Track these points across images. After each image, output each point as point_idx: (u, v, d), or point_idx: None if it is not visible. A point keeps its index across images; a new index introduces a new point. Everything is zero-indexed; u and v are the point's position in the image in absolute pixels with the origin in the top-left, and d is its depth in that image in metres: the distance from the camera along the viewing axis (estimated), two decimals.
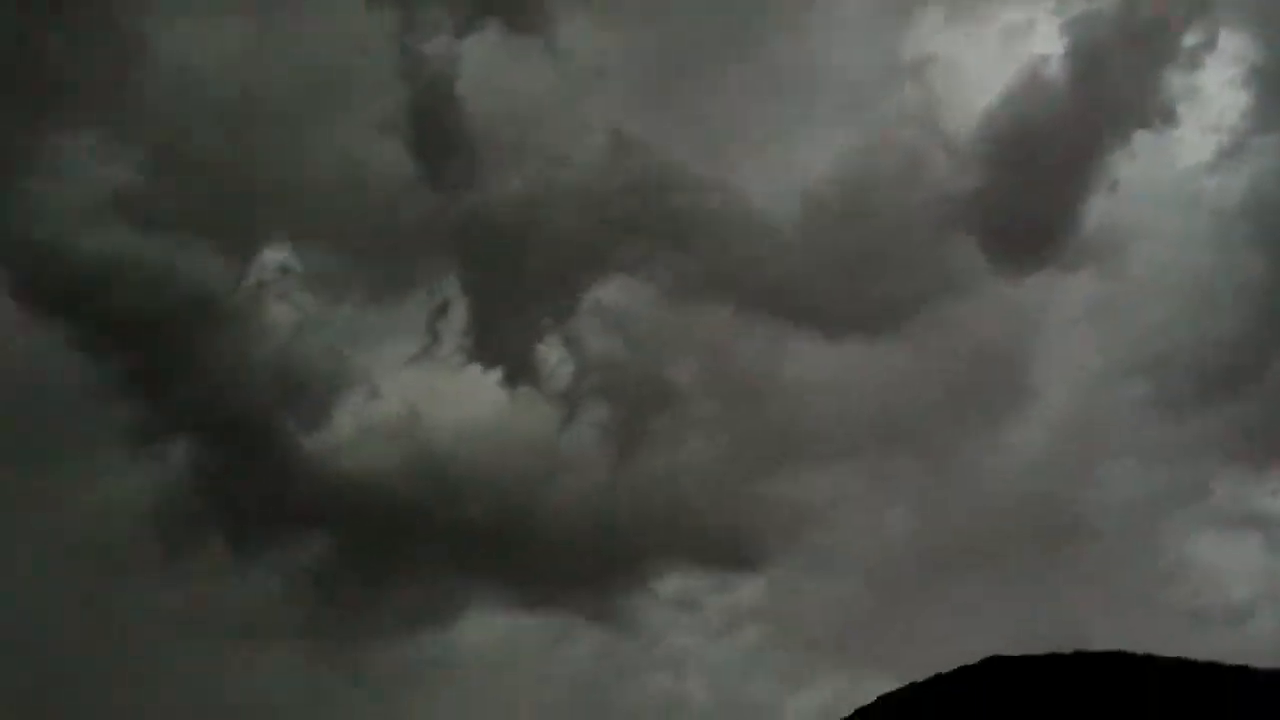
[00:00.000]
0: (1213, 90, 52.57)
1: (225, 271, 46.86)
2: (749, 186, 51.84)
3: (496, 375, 50.13)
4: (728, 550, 48.10)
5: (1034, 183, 46.54)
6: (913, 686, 13.89)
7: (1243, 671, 14.09)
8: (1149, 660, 13.61)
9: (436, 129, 47.59)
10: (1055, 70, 46.51)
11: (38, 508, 42.72)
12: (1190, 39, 47.20)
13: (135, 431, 45.24)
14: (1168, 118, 47.12)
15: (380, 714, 43.29)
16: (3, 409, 44.03)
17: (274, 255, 49.93)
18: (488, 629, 50.86)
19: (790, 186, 52.51)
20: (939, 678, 13.88)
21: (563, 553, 47.32)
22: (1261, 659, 14.51)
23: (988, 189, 46.30)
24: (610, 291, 52.40)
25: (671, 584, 50.22)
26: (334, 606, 46.41)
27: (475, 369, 49.96)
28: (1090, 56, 45.90)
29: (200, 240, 47.45)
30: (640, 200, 48.79)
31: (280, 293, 49.77)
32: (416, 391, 51.40)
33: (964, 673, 13.84)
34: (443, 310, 51.02)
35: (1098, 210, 48.53)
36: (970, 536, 46.79)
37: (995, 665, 13.86)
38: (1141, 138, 48.19)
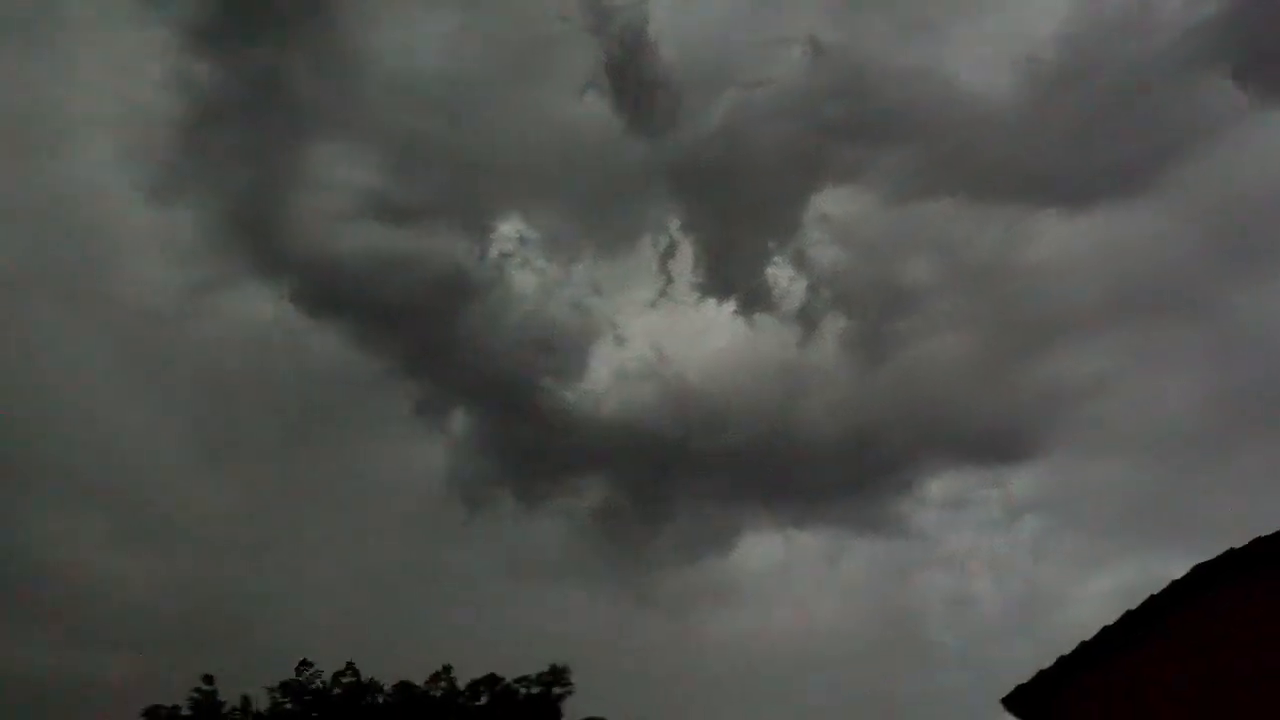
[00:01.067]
0: None
1: (469, 250, 50.20)
2: (959, 68, 49.32)
3: (731, 306, 51.07)
4: (993, 443, 46.79)
5: None
6: (1206, 564, 13.29)
7: None
8: None
9: (634, 77, 48.43)
10: None
11: (348, 485, 48.07)
12: None
13: (419, 408, 49.68)
14: None
15: (671, 636, 45.93)
16: (303, 402, 49.37)
17: (509, 227, 52.93)
18: (763, 550, 52.52)
19: (1003, 58, 49.66)
20: (1231, 554, 13.17)
21: (824, 468, 47.93)
22: None
23: (1233, 12, 41.45)
24: (831, 203, 51.83)
25: (939, 485, 49.85)
26: (617, 543, 49.50)
27: (710, 303, 51.12)
28: None
29: (443, 225, 51.11)
30: (847, 106, 47.62)
31: (521, 261, 52.79)
32: (659, 333, 53.30)
33: (1264, 542, 13.00)
34: (670, 251, 52.35)
35: None
36: (1258, 401, 43.10)
37: None
38: None
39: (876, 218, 50.08)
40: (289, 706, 22.35)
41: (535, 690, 24.57)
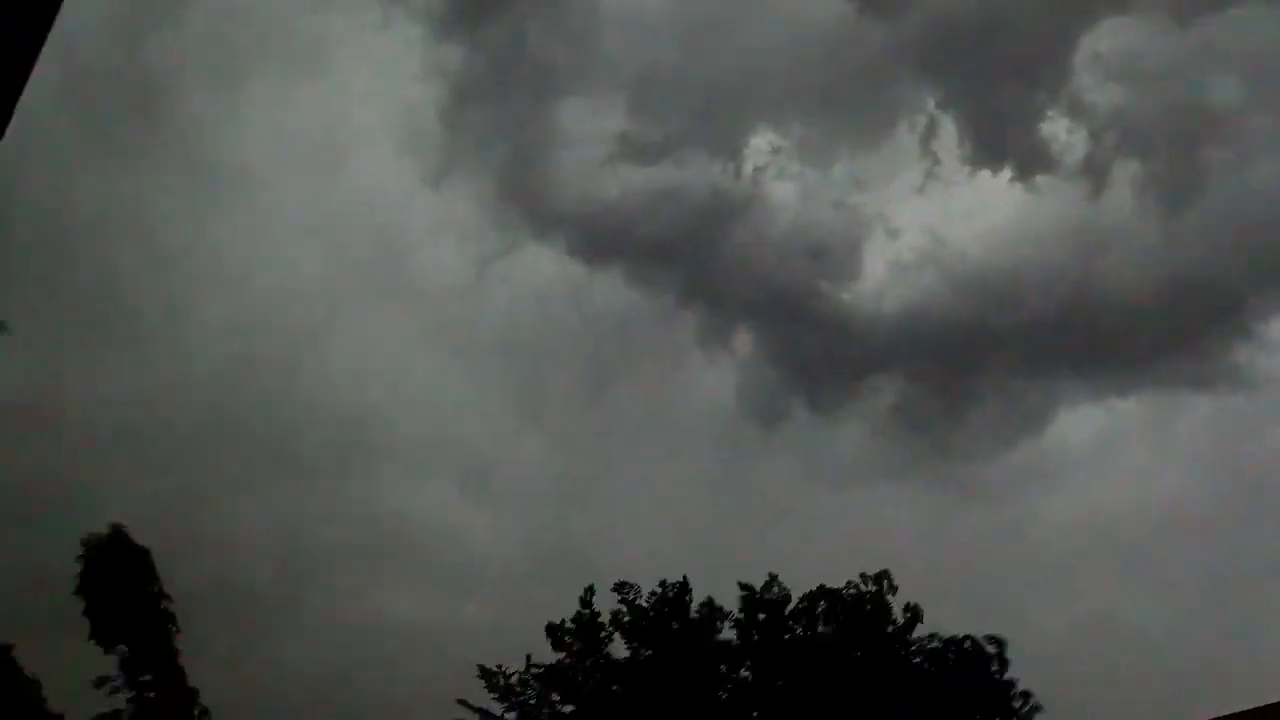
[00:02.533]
0: None
1: (724, 171, 50.26)
2: None
3: (1006, 174, 47.73)
4: None
5: None
6: None
7: None
8: None
9: None
10: None
11: (649, 420, 50.34)
12: None
13: (702, 335, 50.86)
14: None
15: (993, 525, 44.40)
16: (595, 348, 52.01)
17: (760, 141, 52.34)
18: (1083, 424, 49.23)
19: None
20: None
21: (1138, 326, 43.99)
22: None
23: None
24: (1104, 38, 46.72)
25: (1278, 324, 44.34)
26: (924, 437, 48.38)
27: (983, 175, 48.00)
28: None
29: (694, 153, 51.47)
30: None
31: (777, 172, 52.12)
32: (931, 217, 50.87)
33: None
34: (931, 131, 49.55)
35: None
36: None
37: None
38: None
39: (1160, 42, 44.54)
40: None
41: (867, 591, 24.25)
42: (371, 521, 43.30)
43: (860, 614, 24.07)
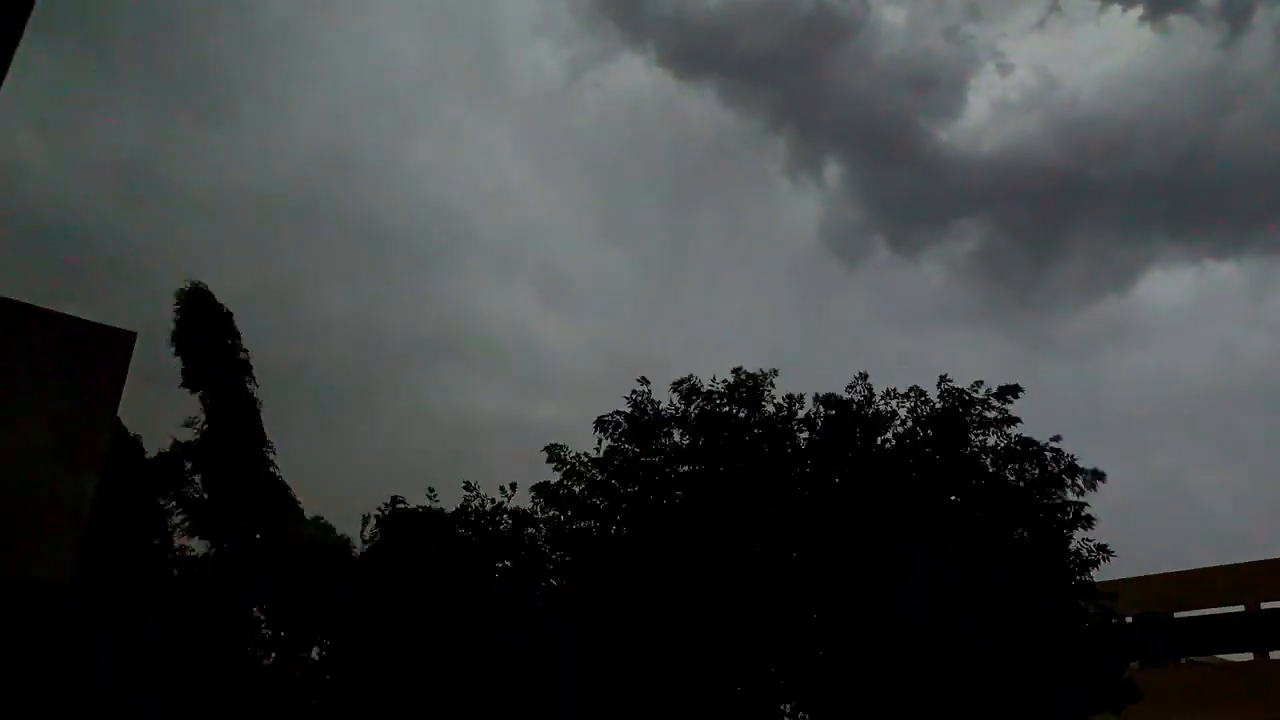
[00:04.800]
0: None
1: None
2: None
3: (1137, 11, 44.09)
4: None
5: None
6: None
7: None
8: None
9: None
10: None
11: (730, 245, 49.82)
12: None
13: (791, 162, 49.58)
14: None
15: (1072, 379, 43.85)
16: (681, 167, 51.02)
17: None
18: (1174, 286, 47.48)
19: None
20: None
21: (1252, 190, 41.49)
22: None
23: None
24: None
25: None
26: (1005, 286, 47.16)
27: (1113, 12, 44.43)
28: None
29: None
30: None
31: None
32: (1048, 56, 47.72)
33: None
34: None
35: None
36: None
37: None
38: None
39: None
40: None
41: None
42: (451, 318, 44.35)
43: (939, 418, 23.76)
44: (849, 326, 48.28)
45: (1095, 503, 20.46)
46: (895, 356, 44.69)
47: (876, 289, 49.68)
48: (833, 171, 50.69)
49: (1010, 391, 21.38)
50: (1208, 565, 29.20)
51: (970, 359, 45.70)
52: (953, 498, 20.25)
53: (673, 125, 51.86)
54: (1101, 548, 20.13)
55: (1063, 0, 46.61)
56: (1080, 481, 20.58)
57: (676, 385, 22.00)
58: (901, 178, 48.67)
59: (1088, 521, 19.99)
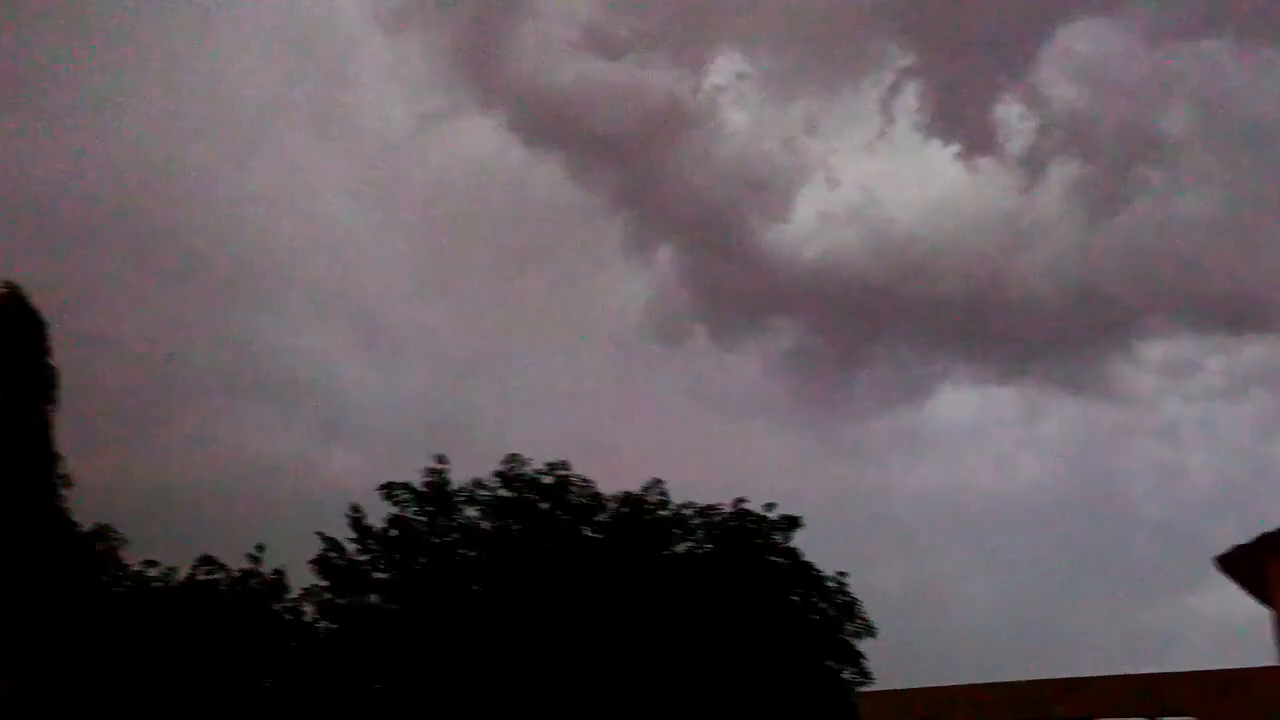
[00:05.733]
0: None
1: (684, 83, 49.56)
2: None
3: (954, 150, 48.41)
4: (1227, 310, 42.60)
5: None
6: None
7: None
8: None
9: None
10: None
11: (556, 314, 50.31)
12: None
13: (628, 242, 50.80)
14: None
15: (859, 482, 46.40)
16: (520, 232, 51.28)
17: (726, 62, 51.66)
18: (961, 404, 51.38)
19: None
20: None
21: (1035, 323, 45.59)
22: None
23: None
24: (1079, 38, 47.35)
25: (1160, 348, 46.52)
26: (811, 386, 49.70)
27: (934, 145, 48.51)
28: None
29: (659, 58, 50.39)
30: None
31: (736, 96, 51.64)
32: (874, 175, 51.39)
33: None
34: (894, 91, 49.74)
35: None
36: None
37: None
38: None
39: (1132, 57, 45.44)
40: (505, 493, 23.36)
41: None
42: (254, 353, 42.61)
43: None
44: (662, 408, 49.33)
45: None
46: (700, 442, 45.86)
47: (695, 375, 51.05)
48: (664, 256, 52.31)
49: (792, 523, 22.74)
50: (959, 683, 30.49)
51: (773, 452, 47.60)
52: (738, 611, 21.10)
53: (515, 191, 52.03)
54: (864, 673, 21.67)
55: (891, 128, 50.74)
56: (857, 622, 22.06)
57: (502, 469, 21.85)
58: (728, 271, 50.75)
59: (856, 658, 21.48)
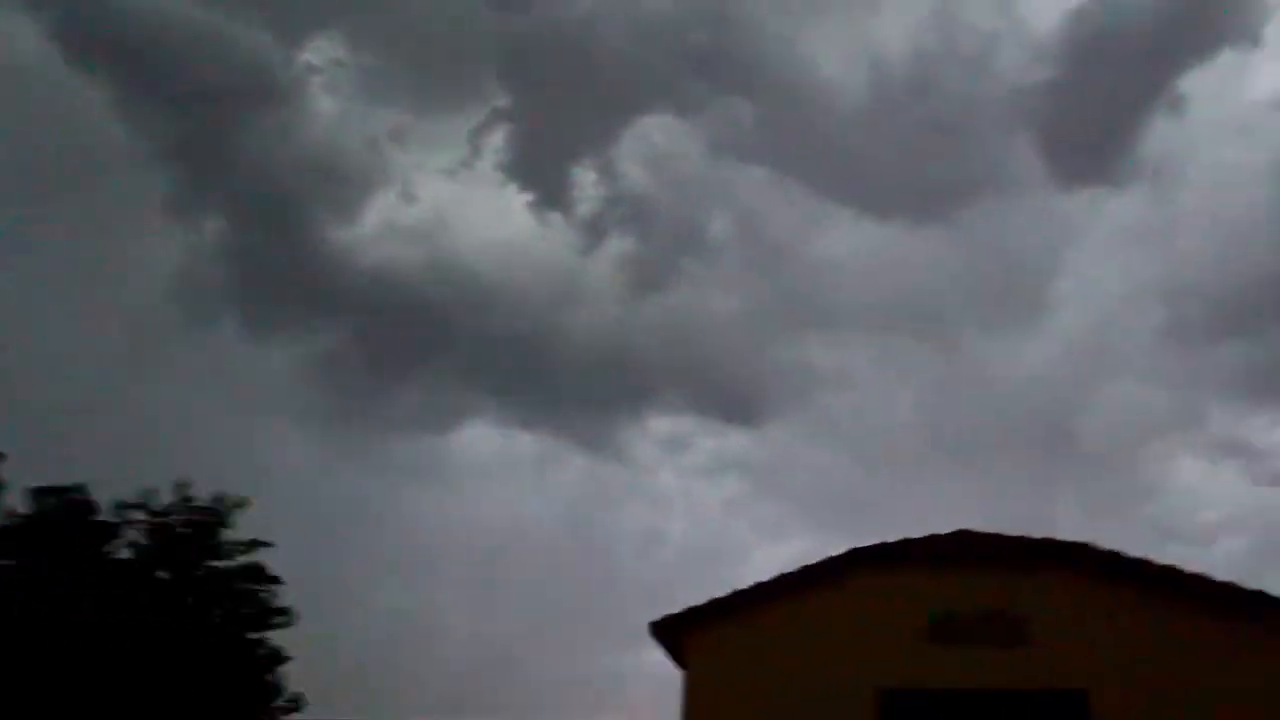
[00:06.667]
0: None
1: (277, 52, 46.33)
2: (816, 49, 49.96)
3: (529, 198, 50.11)
4: (728, 401, 47.67)
5: (1105, 91, 43.94)
6: (884, 543, 14.62)
7: (1198, 579, 14.63)
8: (1113, 555, 14.11)
9: None
10: None
11: (82, 270, 43.83)
12: None
13: (173, 201, 45.83)
14: (1254, 38, 44.19)
15: (373, 500, 45.50)
16: (53, 167, 44.19)
17: (328, 44, 49.29)
18: (483, 441, 52.59)
19: (858, 55, 50.56)
20: (909, 540, 14.58)
21: (568, 378, 48.16)
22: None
23: (1058, 89, 44.01)
24: (658, 128, 51.60)
25: (666, 424, 51.38)
26: (343, 395, 47.89)
27: (511, 189, 49.78)
28: None
29: (257, 15, 46.68)
30: (711, 38, 47.19)
31: (330, 83, 49.35)
32: (450, 201, 51.51)
33: (934, 539, 14.47)
34: (488, 125, 50.50)
35: (1160, 130, 46.56)
36: (966, 431, 47.25)
37: (964, 537, 14.45)
38: (1224, 57, 45.22)
39: (695, 159, 50.33)
40: None
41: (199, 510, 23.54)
42: None
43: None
44: (178, 391, 44.54)
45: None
46: (206, 432, 42.12)
47: (219, 359, 46.91)
48: (213, 226, 47.75)
49: (260, 544, 22.13)
50: None
51: (296, 455, 44.99)
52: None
53: (59, 117, 44.62)
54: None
55: (476, 161, 51.45)
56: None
57: None
58: (278, 259, 47.47)
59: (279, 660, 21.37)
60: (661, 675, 16.87)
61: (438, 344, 48.09)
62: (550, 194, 49.22)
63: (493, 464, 50.70)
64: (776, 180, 50.00)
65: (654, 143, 49.81)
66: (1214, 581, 14.36)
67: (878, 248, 49.08)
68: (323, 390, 47.49)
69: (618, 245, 49.78)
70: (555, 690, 35.72)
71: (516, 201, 50.41)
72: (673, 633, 15.33)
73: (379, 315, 47.23)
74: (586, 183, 49.32)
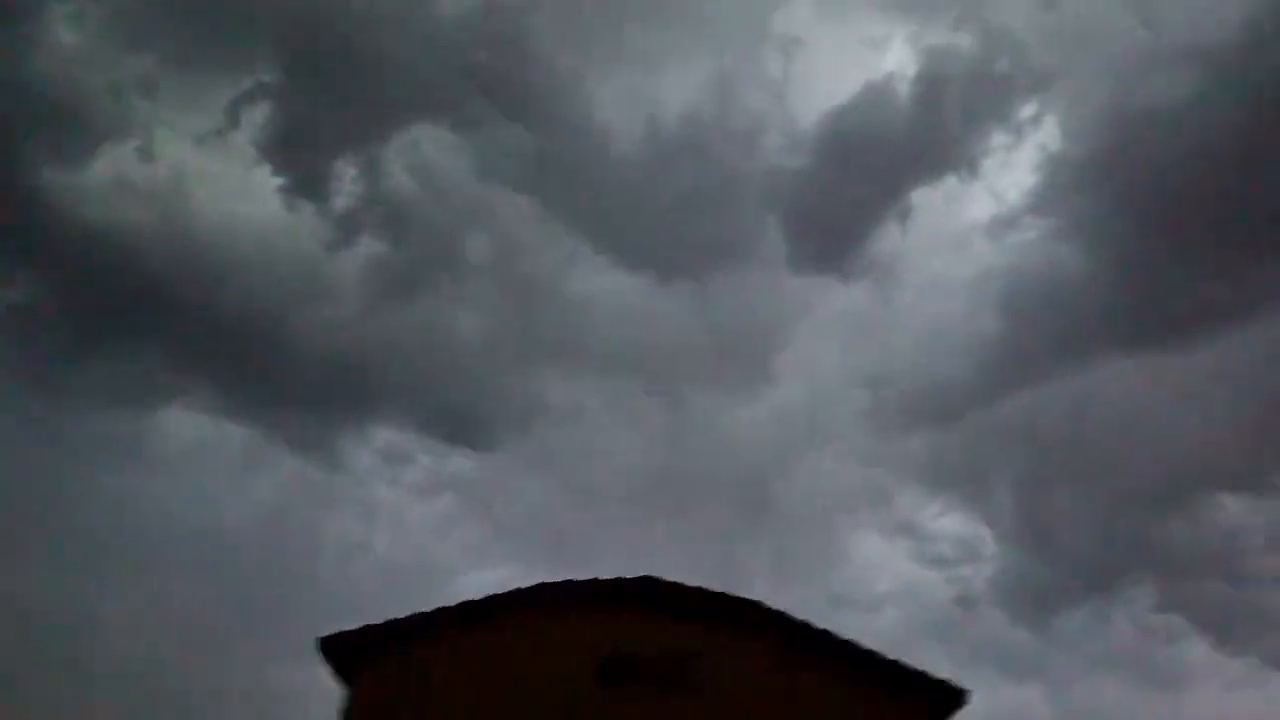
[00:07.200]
0: (1016, 160, 56.64)
1: None
2: (600, 93, 50.99)
3: (281, 181, 47.44)
4: (456, 422, 47.67)
5: (847, 189, 47.79)
6: (569, 580, 14.87)
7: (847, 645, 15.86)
8: (779, 614, 15.04)
9: None
10: (900, 90, 47.28)
11: None
12: (1026, 110, 49.32)
13: None
14: (974, 169, 49.67)
15: (67, 478, 41.37)
16: None
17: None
18: (190, 426, 48.77)
19: (638, 107, 51.97)
20: (595, 580, 14.94)
21: (293, 374, 45.80)
22: (880, 644, 16.13)
23: (809, 179, 47.38)
24: (431, 138, 50.40)
25: (389, 435, 49.78)
26: (40, 354, 43.13)
27: (264, 170, 46.94)
28: (932, 87, 46.93)
29: None
30: (496, 60, 46.97)
31: (77, 11, 44.80)
32: (194, 169, 48.01)
33: (618, 581, 14.89)
34: (250, 98, 47.43)
35: (889, 234, 51.09)
36: (678, 481, 49.03)
37: (648, 583, 14.96)
38: (948, 181, 50.48)
39: (463, 176, 49.66)
40: None
41: None
42: None
43: None
44: None
45: None
46: None
47: None
48: None
49: None
50: None
51: None
52: None
53: None
54: None
55: (232, 133, 48.27)
56: None
57: None
58: None
59: None
60: (333, 695, 16.25)
61: (156, 316, 44.34)
62: (305, 182, 46.64)
63: (196, 453, 47.16)
64: (540, 213, 50.15)
65: (424, 151, 48.52)
66: (860, 649, 15.59)
67: (626, 296, 50.39)
68: (20, 344, 42.56)
69: (369, 247, 47.88)
70: (207, 702, 33.51)
71: (268, 184, 47.49)
72: (343, 652, 14.79)
73: (91, 275, 42.98)
74: (346, 177, 47.27)
